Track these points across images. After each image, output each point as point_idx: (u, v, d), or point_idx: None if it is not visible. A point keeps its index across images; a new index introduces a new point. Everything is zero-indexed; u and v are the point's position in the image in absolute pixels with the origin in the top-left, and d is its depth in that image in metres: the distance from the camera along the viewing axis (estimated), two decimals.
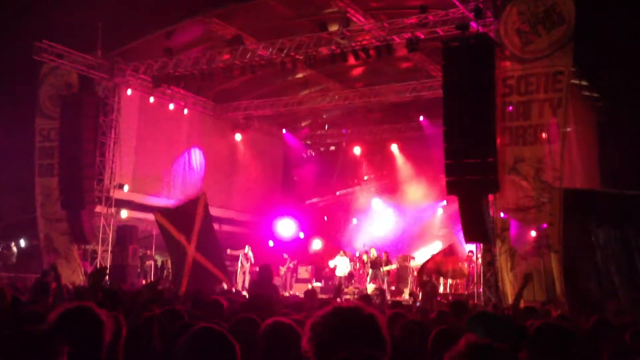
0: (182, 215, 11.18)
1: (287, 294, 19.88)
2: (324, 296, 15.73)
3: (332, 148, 28.66)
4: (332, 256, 22.76)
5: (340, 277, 21.53)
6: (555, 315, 10.51)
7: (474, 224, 14.36)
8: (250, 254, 22.06)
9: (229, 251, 22.80)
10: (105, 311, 2.95)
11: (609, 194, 16.68)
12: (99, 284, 5.15)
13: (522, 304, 11.91)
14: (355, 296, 19.43)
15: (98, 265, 19.53)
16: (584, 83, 19.46)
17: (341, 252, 22.39)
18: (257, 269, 13.79)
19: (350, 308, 2.31)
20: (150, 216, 21.89)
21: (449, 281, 19.71)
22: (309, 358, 2.27)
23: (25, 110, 20.71)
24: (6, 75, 21.36)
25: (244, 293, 15.82)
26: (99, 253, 19.73)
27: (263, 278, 8.84)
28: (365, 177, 26.71)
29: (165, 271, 22.20)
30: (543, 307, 10.73)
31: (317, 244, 25.95)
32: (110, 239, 20.08)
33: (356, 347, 2.16)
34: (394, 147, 25.79)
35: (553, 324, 3.42)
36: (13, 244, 22.41)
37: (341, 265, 21.67)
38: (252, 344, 2.95)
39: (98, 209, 19.80)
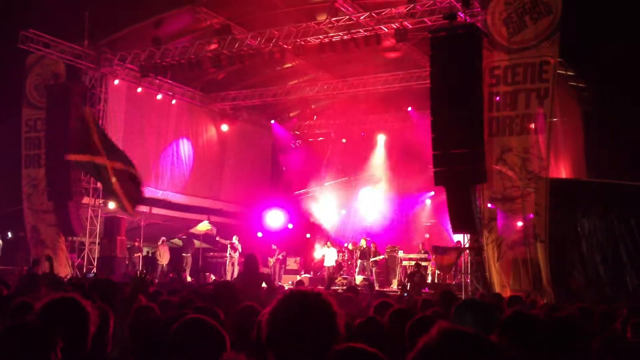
0: (81, 139, 11.14)
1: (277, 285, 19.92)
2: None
3: (321, 139, 28.62)
4: (321, 247, 22.83)
5: (329, 268, 21.59)
6: (541, 304, 10.62)
7: (462, 214, 14.43)
8: (237, 243, 22.08)
9: (217, 238, 22.84)
10: (90, 302, 2.96)
11: (595, 184, 16.80)
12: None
13: (507, 293, 12.03)
14: (344, 287, 19.51)
15: (85, 258, 19.49)
16: (570, 73, 19.56)
17: (328, 243, 22.43)
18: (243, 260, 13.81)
19: (307, 294, 2.33)
20: (140, 207, 21.97)
21: (437, 271, 19.81)
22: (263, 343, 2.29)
23: (11, 100, 20.51)
24: None
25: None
26: (87, 245, 19.66)
27: (249, 268, 8.81)
28: (353, 168, 26.70)
29: (155, 262, 22.20)
30: (528, 297, 10.82)
31: (305, 235, 25.98)
32: (97, 230, 20.00)
33: (308, 334, 2.19)
34: (382, 138, 25.80)
35: (522, 313, 3.45)
36: None
37: (329, 256, 21.73)
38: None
39: (85, 200, 19.69)
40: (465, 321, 3.36)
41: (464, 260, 16.69)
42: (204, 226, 22.77)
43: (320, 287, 16.55)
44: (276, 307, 2.31)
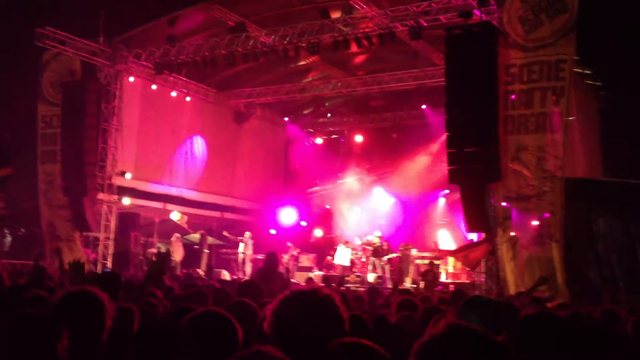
0: None
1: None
2: (322, 284, 15.79)
3: (334, 136, 28.61)
4: (334, 245, 22.83)
5: (341, 266, 21.55)
6: (556, 303, 10.54)
7: (476, 213, 14.36)
8: (248, 239, 22.09)
9: (225, 233, 22.89)
10: (107, 295, 2.97)
11: (611, 183, 16.65)
12: (82, 277, 5.16)
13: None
14: (357, 285, 19.49)
15: (100, 253, 19.60)
16: (586, 71, 19.39)
17: (346, 242, 22.41)
18: (263, 257, 13.82)
19: (307, 291, 2.34)
20: (153, 203, 22.13)
21: (450, 270, 19.75)
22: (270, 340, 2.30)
23: (28, 97, 20.69)
24: (8, 61, 21.33)
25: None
26: (102, 240, 19.78)
27: (269, 265, 8.86)
28: (367, 166, 26.66)
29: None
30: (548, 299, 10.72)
31: (318, 233, 25.97)
32: (112, 226, 20.11)
33: (311, 328, 2.20)
34: (396, 136, 25.73)
35: (544, 314, 3.40)
36: (7, 231, 22.33)
37: (341, 255, 21.67)
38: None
39: (100, 196, 19.80)
40: (470, 320, 3.30)
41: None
42: (175, 216, 22.60)
43: (333, 284, 16.54)
44: (278, 306, 2.33)
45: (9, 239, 21.57)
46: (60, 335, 2.45)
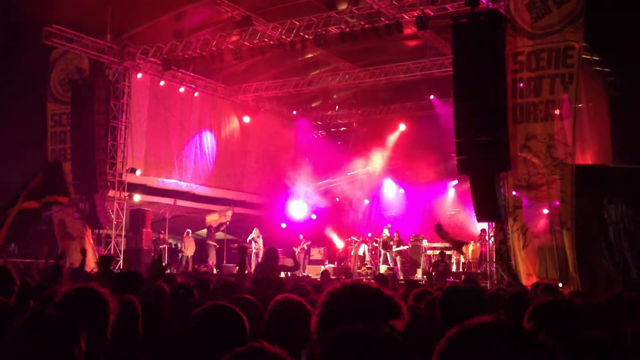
0: None
1: (301, 275, 19.96)
2: (334, 277, 15.83)
3: (343, 129, 28.57)
4: (344, 237, 22.83)
5: (357, 258, 21.66)
6: (568, 292, 10.51)
7: (486, 202, 14.28)
8: (255, 237, 22.10)
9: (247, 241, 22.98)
10: (108, 291, 2.96)
11: (621, 170, 16.49)
12: (108, 270, 5.19)
13: (533, 282, 11.88)
14: (369, 277, 19.51)
15: (112, 250, 19.69)
16: (595, 58, 19.23)
17: (360, 236, 22.50)
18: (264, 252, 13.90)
19: (357, 283, 2.30)
20: (164, 199, 22.21)
21: (462, 260, 19.72)
22: (314, 337, 2.24)
23: (36, 95, 20.74)
24: (16, 59, 21.38)
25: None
26: (113, 237, 19.88)
27: (269, 260, 8.95)
28: (376, 158, 26.60)
29: (179, 255, 22.36)
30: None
31: (328, 226, 25.97)
32: (123, 223, 20.20)
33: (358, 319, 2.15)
34: (405, 127, 25.65)
35: (558, 301, 3.37)
36: None
37: (361, 248, 21.80)
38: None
39: (111, 193, 19.90)
40: (454, 307, 3.22)
41: (489, 248, 16.56)
42: (213, 217, 22.78)
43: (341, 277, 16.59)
44: (328, 298, 2.28)
45: None
46: (78, 337, 2.40)
